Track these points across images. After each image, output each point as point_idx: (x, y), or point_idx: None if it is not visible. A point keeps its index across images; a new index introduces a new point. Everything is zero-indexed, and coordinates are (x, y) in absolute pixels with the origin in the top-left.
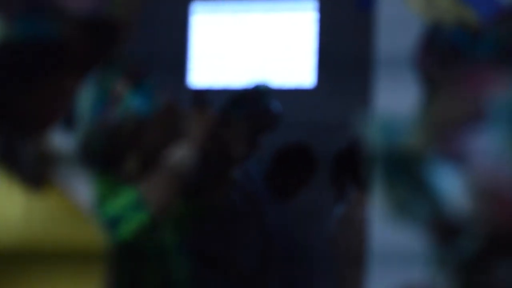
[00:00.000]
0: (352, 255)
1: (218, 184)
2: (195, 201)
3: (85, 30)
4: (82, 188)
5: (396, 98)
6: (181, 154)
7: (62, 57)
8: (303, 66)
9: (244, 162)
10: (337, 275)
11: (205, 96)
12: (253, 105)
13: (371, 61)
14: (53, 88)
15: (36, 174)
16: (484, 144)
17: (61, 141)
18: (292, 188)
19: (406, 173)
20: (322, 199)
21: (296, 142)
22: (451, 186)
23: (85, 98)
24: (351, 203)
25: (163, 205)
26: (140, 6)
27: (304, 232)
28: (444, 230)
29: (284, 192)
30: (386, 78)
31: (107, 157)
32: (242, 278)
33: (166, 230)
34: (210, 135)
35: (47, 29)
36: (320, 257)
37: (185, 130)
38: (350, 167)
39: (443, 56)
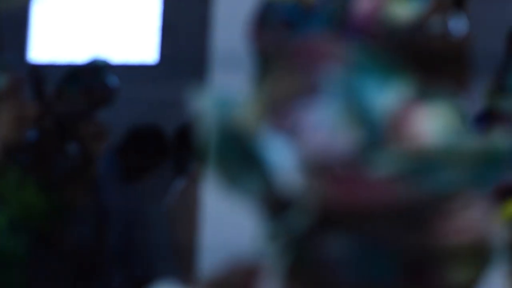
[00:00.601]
0: (188, 229)
1: (78, 182)
2: (53, 196)
3: None
4: None
5: (232, 76)
6: None
7: None
8: (146, 42)
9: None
10: (174, 247)
11: (41, 72)
12: (89, 79)
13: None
14: None
15: None
16: (317, 119)
17: None
18: (144, 170)
19: (238, 147)
20: (168, 176)
21: (148, 123)
22: (283, 161)
23: None
24: (190, 178)
25: None
26: None
27: (147, 210)
28: (276, 204)
29: (135, 174)
30: (223, 56)
31: None
32: (76, 254)
33: None
34: (20, 131)
35: None
36: (161, 234)
37: None
38: (190, 143)
39: (277, 31)
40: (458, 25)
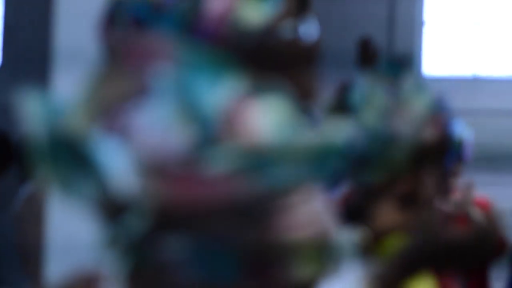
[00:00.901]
0: (35, 235)
1: None
2: None
3: None
4: None
5: (76, 76)
6: None
7: None
8: None
9: None
10: (20, 254)
11: None
12: None
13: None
14: None
15: None
16: (149, 119)
17: None
18: None
19: (69, 152)
20: (14, 182)
21: None
22: (116, 164)
23: None
24: (37, 184)
25: None
26: None
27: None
28: (111, 209)
29: None
30: (67, 55)
31: None
32: None
33: None
34: None
35: None
36: (8, 241)
37: None
38: None
39: (126, 29)
40: (308, 29)
